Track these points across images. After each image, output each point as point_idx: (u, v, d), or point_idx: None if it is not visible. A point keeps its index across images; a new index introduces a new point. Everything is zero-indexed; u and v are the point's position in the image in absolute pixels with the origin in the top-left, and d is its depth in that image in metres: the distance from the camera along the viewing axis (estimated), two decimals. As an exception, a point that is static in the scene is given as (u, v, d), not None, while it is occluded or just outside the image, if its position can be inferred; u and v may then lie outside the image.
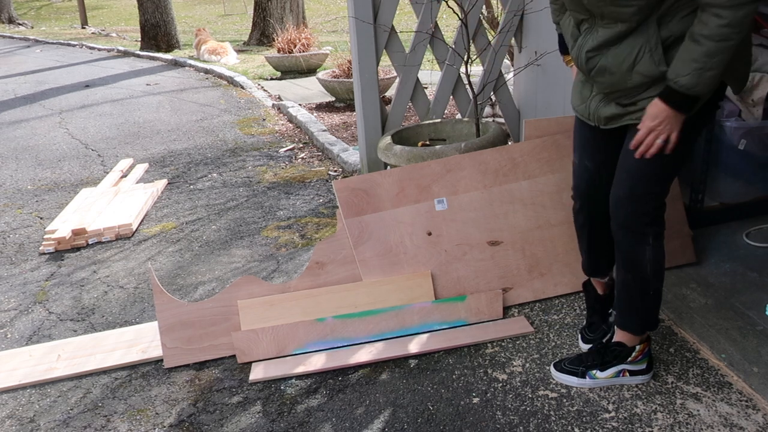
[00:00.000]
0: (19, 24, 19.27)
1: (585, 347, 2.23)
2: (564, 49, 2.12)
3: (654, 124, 1.73)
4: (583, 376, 2.05)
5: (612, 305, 2.30)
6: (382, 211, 2.57)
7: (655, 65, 1.70)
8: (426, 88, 3.96)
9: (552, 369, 2.12)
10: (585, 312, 2.46)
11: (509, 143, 3.50)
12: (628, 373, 2.04)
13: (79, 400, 2.23)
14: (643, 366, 2.05)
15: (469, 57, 3.22)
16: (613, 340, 2.06)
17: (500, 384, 2.12)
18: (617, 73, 1.75)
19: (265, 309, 2.43)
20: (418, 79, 3.67)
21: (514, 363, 2.22)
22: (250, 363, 2.34)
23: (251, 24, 11.87)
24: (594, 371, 2.05)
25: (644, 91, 1.76)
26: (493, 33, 4.22)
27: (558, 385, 2.09)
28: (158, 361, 2.40)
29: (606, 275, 2.26)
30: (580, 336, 2.28)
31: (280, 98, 7.03)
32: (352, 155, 4.49)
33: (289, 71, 8.37)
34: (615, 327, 2.07)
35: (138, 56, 11.19)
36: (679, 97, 1.66)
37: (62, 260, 3.37)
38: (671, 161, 1.81)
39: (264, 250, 3.30)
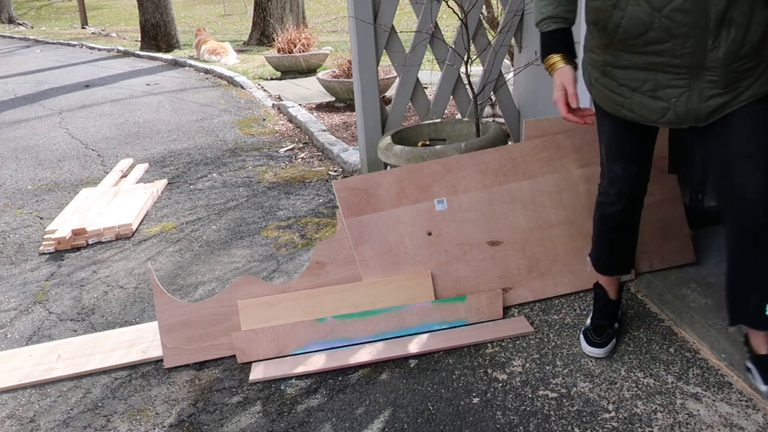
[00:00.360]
0: (19, 24, 19.28)
1: (590, 350, 2.21)
2: (558, 47, 1.90)
3: None
4: None
5: (619, 308, 2.32)
6: (382, 211, 2.57)
7: (761, 10, 1.65)
8: (426, 88, 3.96)
9: None
10: (585, 312, 2.46)
11: (509, 143, 3.50)
12: None
13: (79, 400, 2.23)
14: None
15: (469, 57, 3.22)
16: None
17: (500, 384, 2.12)
18: (743, 25, 1.65)
19: (265, 309, 2.43)
20: (418, 79, 3.67)
21: (514, 363, 2.22)
22: (250, 363, 2.34)
23: (251, 24, 11.87)
24: None
25: (752, 64, 1.71)
26: (493, 33, 4.22)
27: (558, 385, 2.09)
28: (158, 361, 2.40)
29: (629, 271, 2.30)
30: (583, 338, 2.25)
31: (280, 98, 7.03)
32: (352, 155, 4.49)
33: (289, 71, 8.37)
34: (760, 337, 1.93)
35: (138, 56, 11.19)
36: None
37: (62, 260, 3.37)
38: None
39: (264, 250, 3.30)
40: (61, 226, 3.60)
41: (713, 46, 1.67)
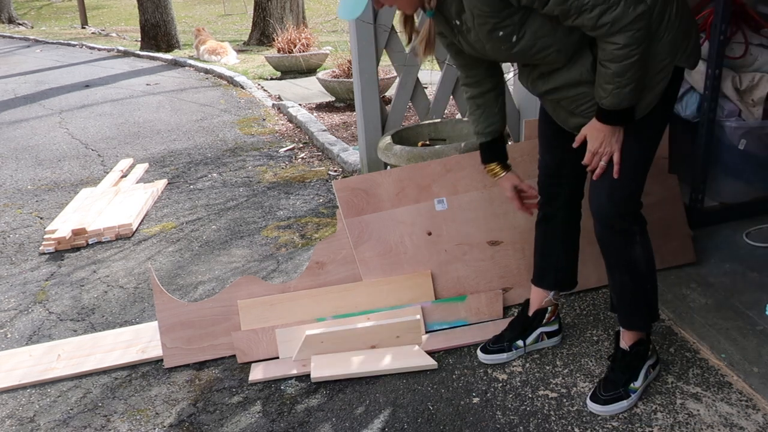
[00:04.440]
0: (19, 24, 19.27)
1: (479, 353, 2.23)
2: (492, 157, 2.12)
3: (596, 145, 1.79)
4: (627, 396, 1.94)
5: (534, 327, 2.24)
6: (382, 211, 2.57)
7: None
8: (426, 88, 3.96)
9: (595, 406, 1.94)
10: (585, 312, 2.46)
11: (509, 143, 3.49)
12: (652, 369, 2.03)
13: (79, 400, 2.23)
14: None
15: (469, 57, 3.21)
16: (626, 345, 1.98)
17: (500, 384, 2.12)
18: None
19: (265, 309, 2.43)
20: (418, 79, 3.67)
21: (514, 363, 2.22)
22: (250, 363, 2.34)
23: (251, 24, 11.87)
24: (631, 384, 1.96)
25: None
26: (493, 33, 4.21)
27: (558, 385, 2.09)
28: (158, 361, 2.40)
29: (551, 289, 2.24)
30: (480, 348, 2.25)
31: (280, 98, 7.03)
32: (352, 155, 4.49)
33: (289, 71, 8.37)
34: (621, 331, 2.00)
35: (138, 56, 11.19)
36: (612, 114, 1.73)
37: (62, 260, 3.37)
38: (643, 157, 1.83)
39: (264, 250, 3.30)
40: (61, 226, 3.60)
41: None
